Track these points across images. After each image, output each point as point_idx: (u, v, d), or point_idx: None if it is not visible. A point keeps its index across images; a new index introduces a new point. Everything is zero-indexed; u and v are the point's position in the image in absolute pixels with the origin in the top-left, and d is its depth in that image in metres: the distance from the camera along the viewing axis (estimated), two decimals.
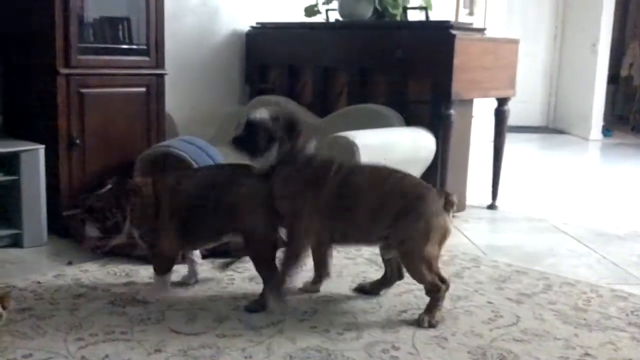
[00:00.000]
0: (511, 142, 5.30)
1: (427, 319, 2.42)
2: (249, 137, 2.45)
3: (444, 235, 2.44)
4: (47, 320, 2.33)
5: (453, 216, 2.50)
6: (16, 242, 3.14)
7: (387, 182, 2.47)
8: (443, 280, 2.46)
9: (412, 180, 2.53)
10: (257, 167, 2.50)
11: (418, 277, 2.46)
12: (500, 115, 4.24)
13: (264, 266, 2.49)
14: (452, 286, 2.80)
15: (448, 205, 2.43)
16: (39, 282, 2.68)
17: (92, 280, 2.74)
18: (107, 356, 2.09)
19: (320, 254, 2.68)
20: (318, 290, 2.71)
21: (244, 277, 2.83)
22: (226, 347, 2.18)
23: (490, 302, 2.67)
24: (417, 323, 2.42)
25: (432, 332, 2.36)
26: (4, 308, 2.19)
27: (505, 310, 2.60)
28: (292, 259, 2.46)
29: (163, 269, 2.56)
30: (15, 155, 3.08)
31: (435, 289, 2.44)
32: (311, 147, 2.53)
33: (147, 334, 2.26)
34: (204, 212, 2.49)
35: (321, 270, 2.72)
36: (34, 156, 3.11)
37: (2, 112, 3.41)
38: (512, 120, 4.46)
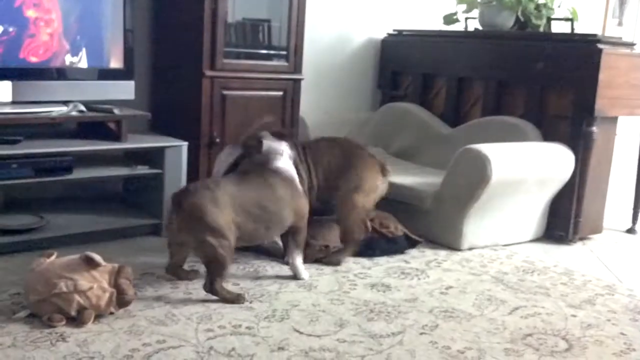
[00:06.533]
0: None
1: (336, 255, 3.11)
2: None
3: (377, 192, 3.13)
4: (181, 308, 2.47)
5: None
6: (155, 231, 3.33)
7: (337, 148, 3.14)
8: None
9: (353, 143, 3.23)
10: None
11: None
12: None
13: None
14: (583, 313, 2.68)
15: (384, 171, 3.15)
16: None
17: None
18: (233, 349, 2.18)
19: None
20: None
21: (366, 284, 2.86)
22: (346, 353, 2.21)
23: (623, 334, 2.53)
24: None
25: None
26: (117, 279, 2.33)
27: (639, 343, 2.44)
28: None
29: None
30: (160, 151, 3.27)
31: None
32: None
33: (271, 330, 2.34)
34: None
35: None
36: (178, 152, 3.30)
37: (151, 110, 3.65)
38: None
